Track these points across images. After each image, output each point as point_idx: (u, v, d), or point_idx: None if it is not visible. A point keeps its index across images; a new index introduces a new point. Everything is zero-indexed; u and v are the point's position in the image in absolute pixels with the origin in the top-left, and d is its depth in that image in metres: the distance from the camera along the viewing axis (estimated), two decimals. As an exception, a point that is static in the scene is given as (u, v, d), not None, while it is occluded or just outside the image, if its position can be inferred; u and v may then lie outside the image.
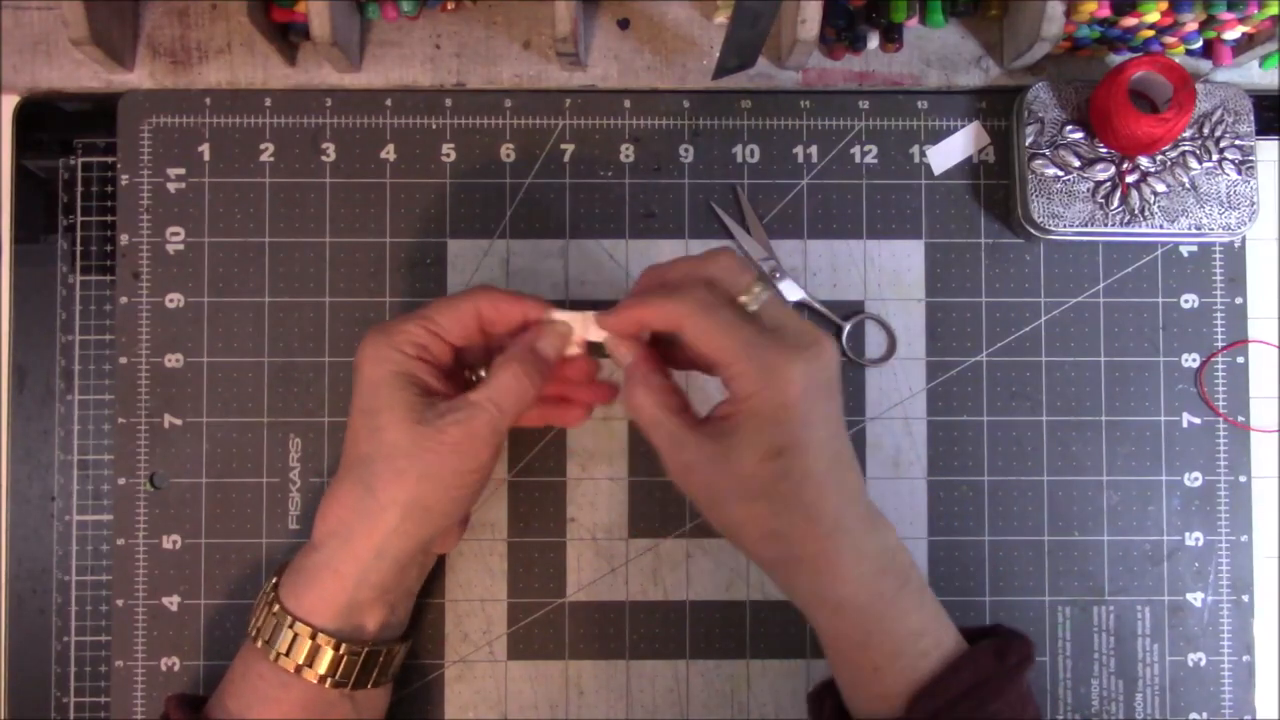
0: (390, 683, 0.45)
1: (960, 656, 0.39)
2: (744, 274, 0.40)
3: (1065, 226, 0.48)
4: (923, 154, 0.51)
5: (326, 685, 0.41)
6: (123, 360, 0.50)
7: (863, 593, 0.39)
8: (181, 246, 0.50)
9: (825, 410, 0.39)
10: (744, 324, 0.38)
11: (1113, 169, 0.49)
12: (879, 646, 0.39)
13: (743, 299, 0.39)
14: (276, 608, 0.42)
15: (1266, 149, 0.51)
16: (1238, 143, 0.49)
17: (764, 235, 0.50)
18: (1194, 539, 0.50)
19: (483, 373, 0.44)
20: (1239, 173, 0.49)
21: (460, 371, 0.45)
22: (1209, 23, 0.48)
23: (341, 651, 0.41)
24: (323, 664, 0.41)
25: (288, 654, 0.41)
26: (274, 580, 0.43)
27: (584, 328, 0.43)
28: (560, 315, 0.43)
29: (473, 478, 0.41)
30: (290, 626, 0.41)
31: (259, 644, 0.42)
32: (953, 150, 0.51)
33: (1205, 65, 0.51)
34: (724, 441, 0.38)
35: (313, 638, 0.41)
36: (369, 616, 0.42)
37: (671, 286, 0.40)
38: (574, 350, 0.43)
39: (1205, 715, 0.49)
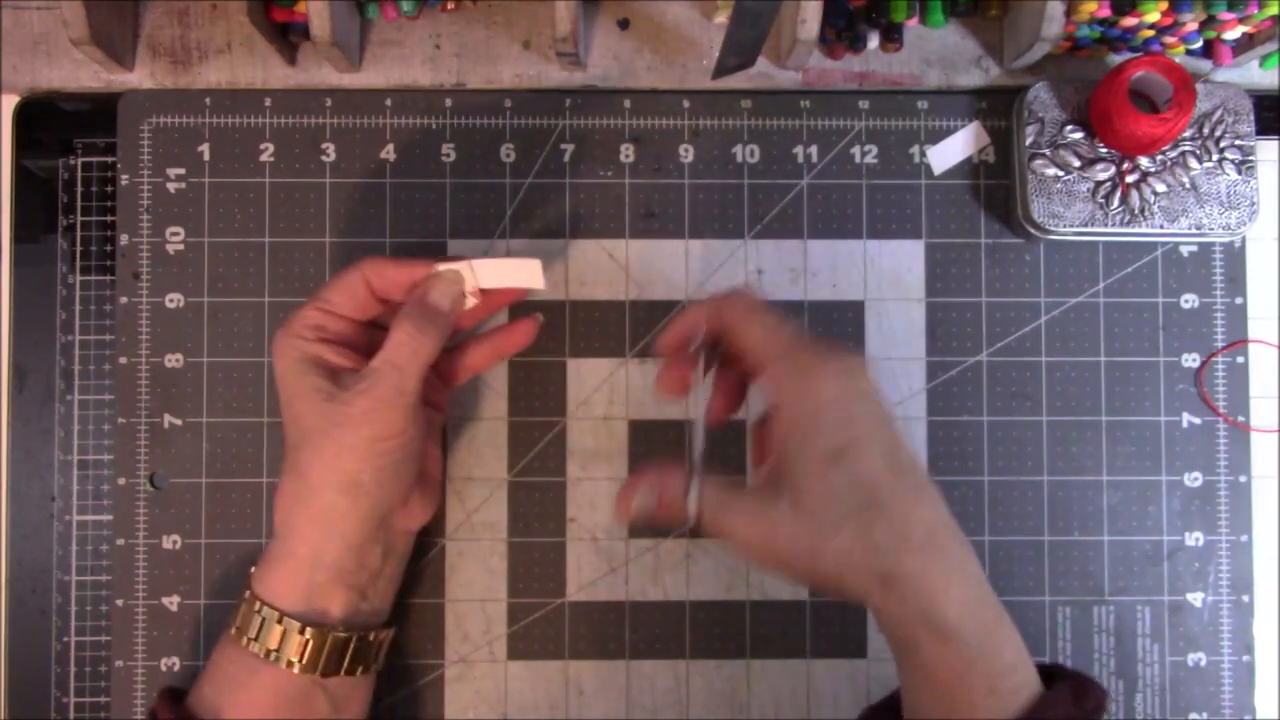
0: (370, 675, 0.45)
1: (1042, 699, 0.38)
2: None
3: (1065, 226, 0.48)
4: (923, 154, 0.51)
5: (294, 671, 0.41)
6: (123, 360, 0.50)
7: (969, 620, 0.37)
8: (181, 246, 0.50)
9: (867, 409, 0.38)
10: (784, 325, 0.40)
11: (1113, 169, 0.49)
12: (979, 681, 0.37)
13: None
14: (247, 594, 0.43)
15: (1266, 149, 0.51)
16: (1238, 143, 0.49)
17: None
18: (1194, 539, 0.50)
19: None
20: (1239, 173, 0.49)
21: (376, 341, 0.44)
22: (1209, 23, 0.48)
23: (307, 636, 0.41)
24: (290, 648, 0.41)
25: (257, 639, 0.42)
26: (251, 570, 0.44)
27: (474, 276, 0.44)
28: (446, 266, 0.44)
29: (392, 444, 0.41)
30: (258, 611, 0.42)
31: (233, 630, 0.42)
32: (953, 150, 0.51)
33: (1205, 65, 0.51)
34: (787, 481, 0.38)
35: (279, 622, 0.41)
36: (332, 600, 0.42)
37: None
38: (471, 301, 0.44)
39: (1205, 715, 0.49)
